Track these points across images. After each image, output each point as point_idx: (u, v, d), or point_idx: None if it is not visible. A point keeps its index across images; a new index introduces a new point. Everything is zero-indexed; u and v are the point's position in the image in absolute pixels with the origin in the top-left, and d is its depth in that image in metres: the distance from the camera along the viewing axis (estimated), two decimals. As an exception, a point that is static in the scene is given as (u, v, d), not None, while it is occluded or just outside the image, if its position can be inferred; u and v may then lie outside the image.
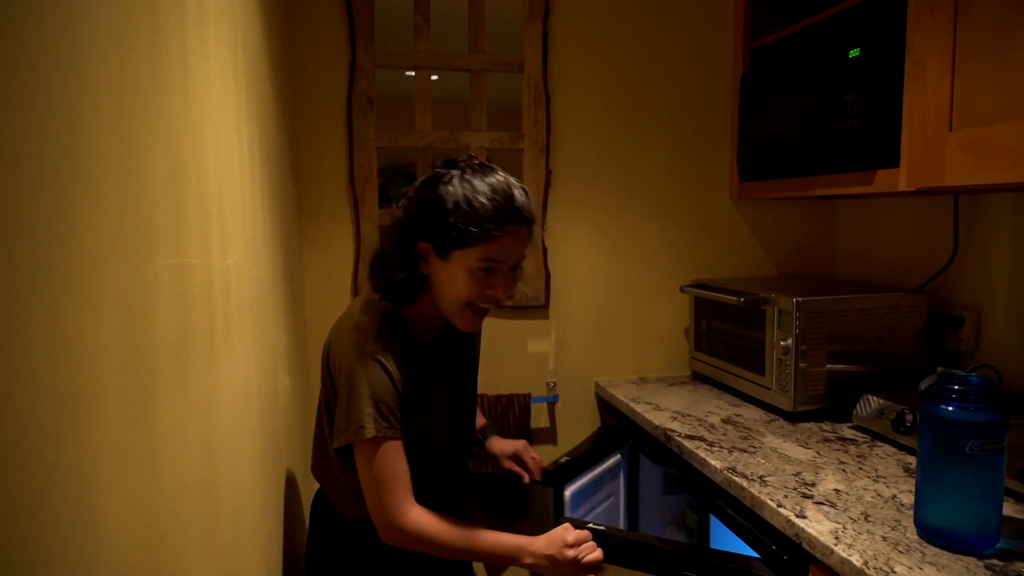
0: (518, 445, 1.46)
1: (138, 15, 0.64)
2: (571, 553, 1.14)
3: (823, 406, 1.60)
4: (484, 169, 1.14)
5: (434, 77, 1.90)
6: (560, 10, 1.91)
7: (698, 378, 2.03)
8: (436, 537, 1.12)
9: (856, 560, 0.97)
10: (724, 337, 1.86)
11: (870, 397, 1.49)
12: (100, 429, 0.54)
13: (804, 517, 1.11)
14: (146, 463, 0.63)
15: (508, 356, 1.97)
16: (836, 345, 1.59)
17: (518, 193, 1.13)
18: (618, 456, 1.79)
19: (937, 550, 1.00)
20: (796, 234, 2.13)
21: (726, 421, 1.61)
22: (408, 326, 1.20)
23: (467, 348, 1.36)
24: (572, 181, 1.97)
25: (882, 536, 1.04)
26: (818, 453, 1.39)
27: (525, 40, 1.89)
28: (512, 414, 1.90)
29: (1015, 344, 1.55)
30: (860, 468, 1.31)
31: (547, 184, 1.93)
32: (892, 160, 1.41)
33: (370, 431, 1.09)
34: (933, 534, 1.02)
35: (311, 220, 1.85)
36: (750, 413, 1.67)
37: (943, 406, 0.99)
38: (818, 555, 1.05)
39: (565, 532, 1.17)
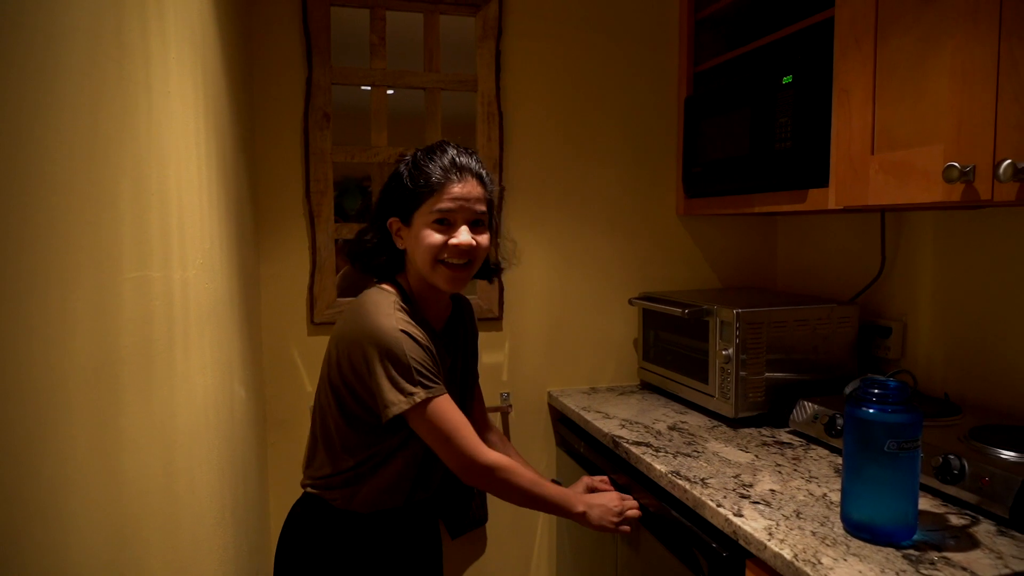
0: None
1: (108, 41, 0.67)
2: (618, 505, 1.37)
3: (763, 412, 1.68)
4: (432, 146, 1.30)
5: (390, 92, 1.94)
6: (512, 30, 1.98)
7: (646, 387, 2.10)
8: (513, 473, 1.25)
9: (787, 554, 1.04)
10: (671, 347, 1.93)
11: (805, 403, 1.58)
12: (71, 437, 0.57)
13: (741, 516, 1.18)
14: (111, 469, 0.66)
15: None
16: (774, 354, 1.68)
17: (458, 151, 1.28)
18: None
19: (860, 543, 1.08)
20: (739, 248, 2.23)
21: (672, 428, 1.68)
22: (419, 313, 1.28)
23: (470, 340, 1.46)
24: (525, 196, 2.03)
25: (812, 531, 1.12)
26: (756, 456, 1.47)
27: (479, 59, 1.95)
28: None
29: (936, 351, 1.66)
30: (795, 470, 1.39)
31: (500, 199, 1.98)
32: (822, 180, 1.50)
33: (421, 395, 1.16)
34: (857, 528, 1.10)
35: (268, 233, 1.86)
36: (695, 420, 1.75)
37: (864, 408, 1.07)
38: (753, 550, 1.11)
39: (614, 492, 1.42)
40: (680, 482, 1.34)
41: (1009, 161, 1.03)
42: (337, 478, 1.27)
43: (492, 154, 1.96)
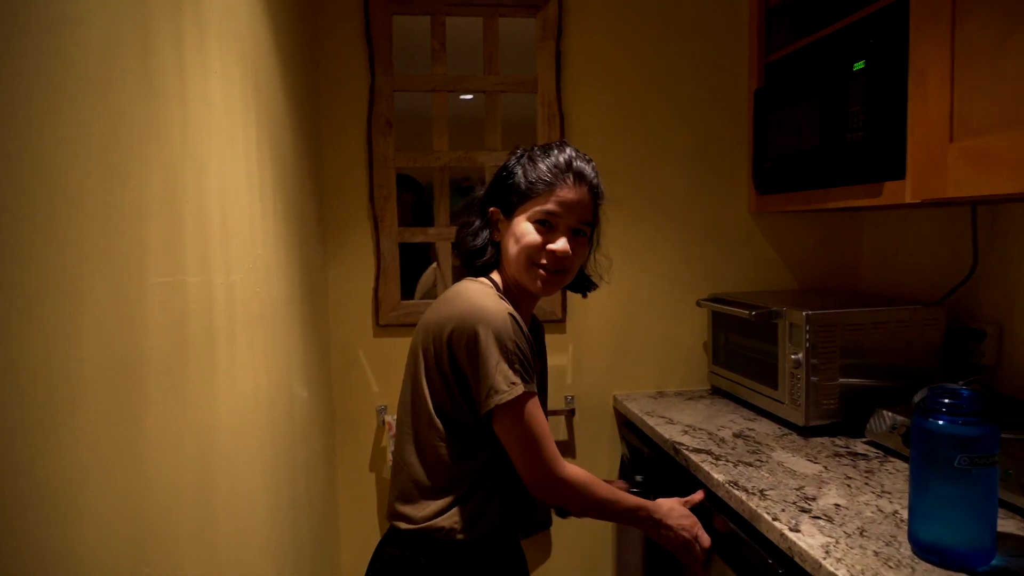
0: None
1: (130, 58, 0.71)
2: (690, 533, 1.26)
3: (836, 421, 1.58)
4: (551, 143, 1.27)
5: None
6: (573, 30, 1.95)
7: (717, 392, 2.02)
8: (589, 488, 1.19)
9: (842, 574, 0.97)
10: (741, 351, 1.85)
11: (883, 412, 1.47)
12: (82, 433, 0.60)
13: (798, 531, 1.11)
14: (133, 465, 0.69)
15: (525, 370, 1.99)
16: (849, 359, 1.57)
17: (575, 155, 1.23)
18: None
19: (929, 566, 0.99)
20: (819, 247, 2.10)
21: (737, 435, 1.61)
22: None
23: (543, 354, 1.43)
24: (587, 197, 1.99)
25: (875, 551, 1.03)
26: (825, 468, 1.38)
27: (538, 60, 1.93)
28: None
29: (1037, 358, 1.50)
30: (866, 483, 1.29)
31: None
32: (898, 172, 1.40)
33: (521, 388, 1.11)
34: (925, 550, 1.01)
35: (334, 238, 1.92)
36: (763, 427, 1.66)
37: (932, 419, 0.98)
38: (808, 569, 1.04)
39: (687, 512, 1.30)
40: (737, 493, 1.27)
41: (1103, 145, 0.92)
42: (449, 506, 1.17)
43: (553, 155, 1.94)
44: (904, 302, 1.69)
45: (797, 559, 1.07)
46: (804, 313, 1.55)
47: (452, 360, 1.16)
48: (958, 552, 0.98)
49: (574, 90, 1.97)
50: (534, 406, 1.14)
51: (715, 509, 1.37)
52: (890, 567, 0.99)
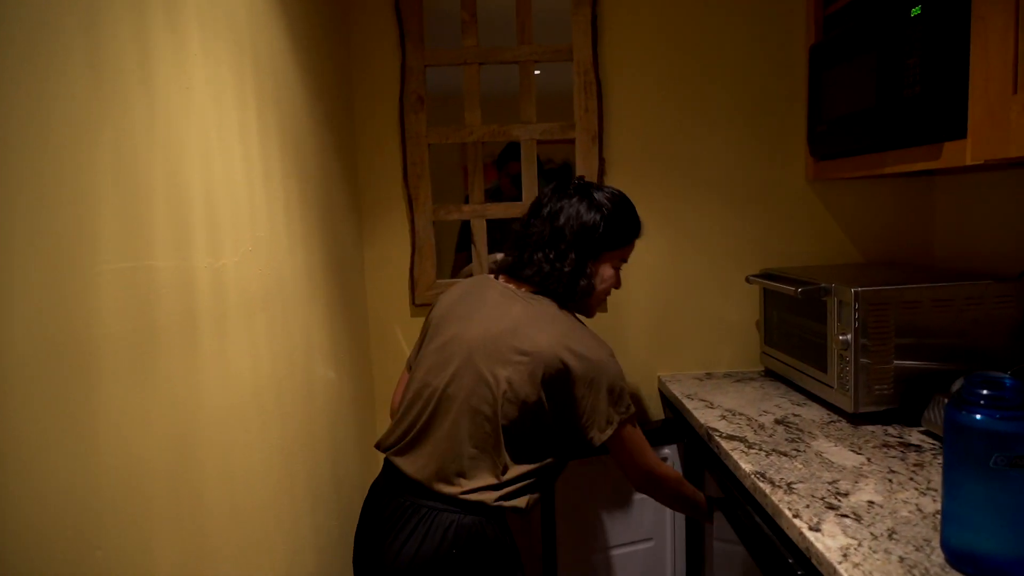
0: None
1: (72, 43, 0.71)
2: None
3: (892, 407, 1.44)
4: (627, 202, 1.45)
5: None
6: (610, -8, 1.85)
7: (770, 375, 1.89)
8: (673, 482, 1.44)
9: (856, 582, 0.88)
10: (792, 330, 1.72)
11: (941, 399, 1.33)
12: (11, 417, 0.61)
13: (818, 531, 1.01)
14: (80, 449, 0.70)
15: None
16: (907, 339, 1.43)
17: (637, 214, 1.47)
18: (665, 451, 1.73)
19: (960, 576, 0.88)
20: (885, 217, 1.92)
21: (779, 421, 1.50)
22: None
23: None
24: (628, 169, 1.90)
25: (900, 556, 0.93)
26: (869, 459, 1.26)
27: (574, 27, 1.84)
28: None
29: None
30: (911, 479, 1.17)
31: (601, 173, 1.88)
32: (959, 130, 1.24)
33: (633, 407, 1.35)
34: (958, 558, 0.89)
35: (370, 217, 1.92)
36: (811, 414, 1.54)
37: (966, 412, 0.86)
38: (824, 572, 0.95)
39: None
40: (762, 485, 1.18)
41: None
42: (519, 484, 1.28)
43: (590, 126, 1.86)
44: (978, 277, 1.52)
45: (814, 561, 0.98)
46: (853, 290, 1.41)
47: (555, 388, 1.28)
48: (994, 561, 0.86)
49: (612, 56, 1.87)
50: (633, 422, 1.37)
51: (744, 501, 1.28)
52: (914, 575, 0.88)
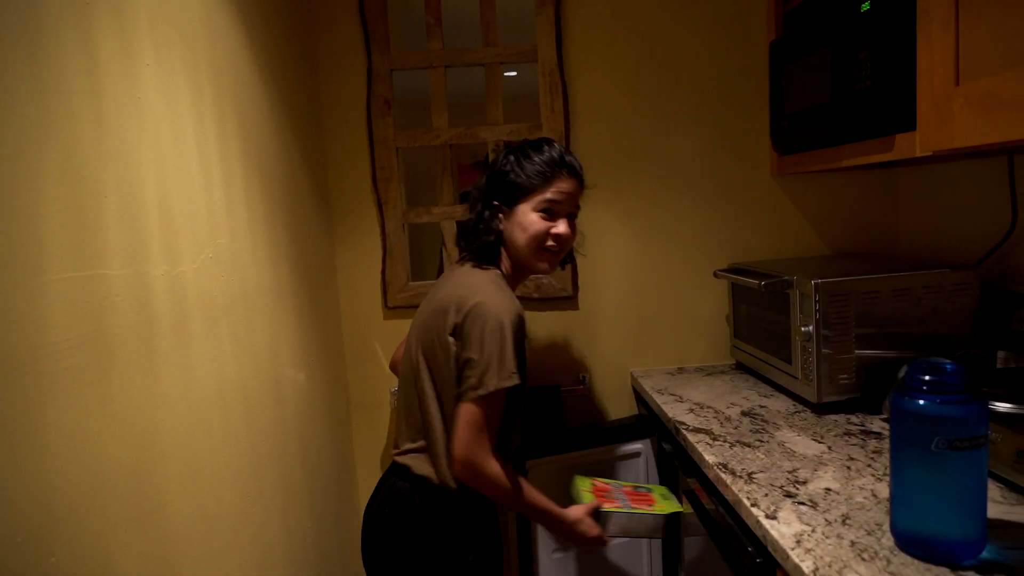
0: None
1: (15, 51, 0.71)
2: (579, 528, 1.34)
3: (854, 396, 1.46)
4: (539, 141, 1.39)
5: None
6: (573, -7, 1.87)
7: (740, 367, 1.92)
8: (504, 483, 1.26)
9: (807, 566, 0.89)
10: (760, 324, 1.74)
11: (901, 386, 1.35)
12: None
13: (774, 518, 1.03)
14: (30, 457, 0.70)
15: (536, 349, 1.96)
16: (867, 329, 1.45)
17: (563, 150, 1.38)
18: (638, 445, 1.75)
19: (907, 559, 0.90)
20: (850, 209, 1.95)
21: (746, 413, 1.52)
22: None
23: None
24: (596, 167, 1.91)
25: (852, 541, 0.95)
26: (829, 448, 1.28)
27: (538, 28, 1.86)
28: (543, 408, 1.89)
29: (1084, 323, 1.34)
30: (868, 466, 1.19)
31: (569, 173, 1.89)
32: (909, 122, 1.26)
33: (516, 379, 1.22)
34: (906, 541, 0.92)
35: (341, 222, 1.93)
36: (777, 405, 1.56)
37: (908, 398, 0.89)
38: (778, 559, 0.97)
39: (578, 510, 1.36)
40: (724, 475, 1.20)
41: (1105, 78, 0.79)
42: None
43: (557, 126, 1.88)
44: (941, 266, 1.54)
45: (770, 548, 1.00)
46: (813, 282, 1.44)
47: (463, 341, 1.24)
48: (941, 543, 0.88)
49: (577, 56, 1.89)
50: (503, 399, 1.25)
51: (706, 492, 1.30)
52: (863, 559, 0.90)
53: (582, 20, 1.88)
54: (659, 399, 1.68)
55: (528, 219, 1.33)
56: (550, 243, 1.35)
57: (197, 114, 1.14)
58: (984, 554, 0.88)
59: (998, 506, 1.02)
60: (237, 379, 1.22)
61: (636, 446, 1.81)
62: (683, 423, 1.48)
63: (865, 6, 1.32)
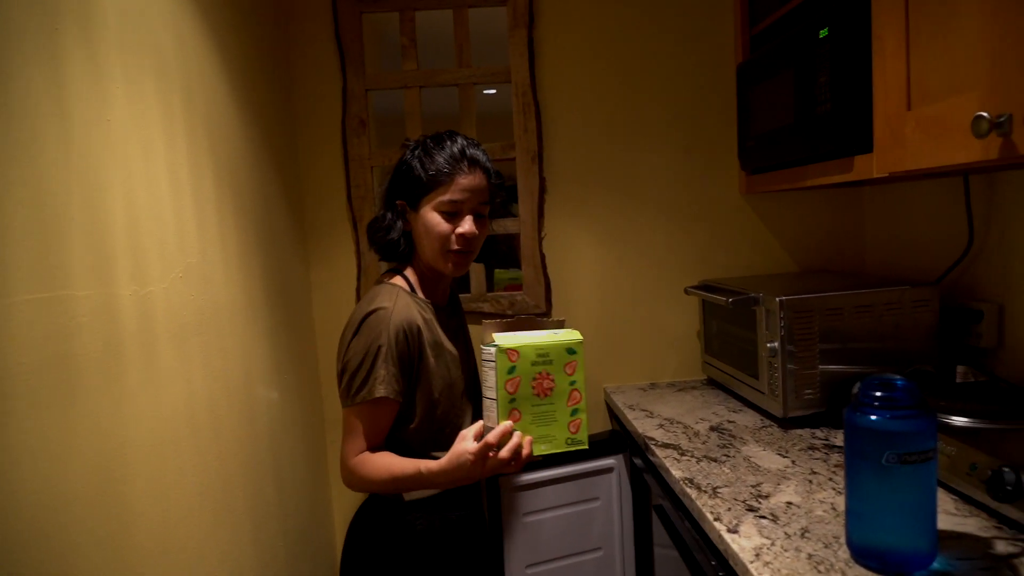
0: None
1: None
2: (474, 453, 1.13)
3: (819, 411, 1.49)
4: (441, 134, 1.33)
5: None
6: (545, 17, 1.90)
7: (712, 383, 1.94)
8: (371, 473, 1.23)
9: (764, 579, 0.91)
10: (729, 340, 1.77)
11: (863, 401, 1.38)
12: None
13: (735, 532, 1.05)
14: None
15: (513, 364, 1.97)
16: (831, 344, 1.49)
17: (467, 143, 1.31)
18: (610, 461, 1.78)
19: (861, 571, 0.92)
20: (818, 227, 2.00)
21: (714, 428, 1.54)
22: (420, 289, 1.35)
23: (465, 328, 1.48)
24: (568, 187, 1.95)
25: (809, 554, 0.97)
26: (793, 462, 1.31)
27: (511, 49, 1.90)
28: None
29: (1037, 339, 1.38)
30: (830, 479, 1.22)
31: (542, 191, 1.92)
32: (867, 144, 1.30)
33: (380, 392, 1.21)
34: (861, 553, 0.94)
35: (317, 240, 1.94)
36: (745, 420, 1.59)
37: (860, 414, 0.91)
38: (739, 572, 0.99)
39: (463, 440, 1.17)
40: (689, 490, 1.22)
41: (1039, 106, 0.83)
42: None
43: (530, 146, 1.91)
44: (904, 283, 1.58)
45: (731, 561, 1.02)
46: (778, 299, 1.47)
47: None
48: (893, 555, 0.91)
49: (550, 77, 1.92)
50: (384, 409, 1.25)
51: (674, 507, 1.32)
52: (819, 572, 0.92)
53: (554, 42, 1.91)
54: (630, 415, 1.70)
55: (431, 220, 1.27)
56: (455, 245, 1.28)
57: (168, 135, 1.15)
58: (935, 565, 0.91)
59: (952, 518, 1.04)
60: (207, 398, 1.23)
61: (609, 461, 1.83)
62: (652, 439, 1.50)
63: (824, 32, 1.36)
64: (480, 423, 1.19)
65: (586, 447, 1.22)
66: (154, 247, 1.08)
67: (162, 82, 1.14)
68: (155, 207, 1.09)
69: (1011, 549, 0.94)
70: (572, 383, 1.20)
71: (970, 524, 1.02)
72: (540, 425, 1.18)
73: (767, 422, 1.55)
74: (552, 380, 1.18)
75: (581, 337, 1.22)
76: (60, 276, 0.84)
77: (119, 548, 0.92)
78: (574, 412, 1.20)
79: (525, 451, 1.15)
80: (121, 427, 0.95)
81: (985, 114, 0.92)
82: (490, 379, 1.17)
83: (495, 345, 1.16)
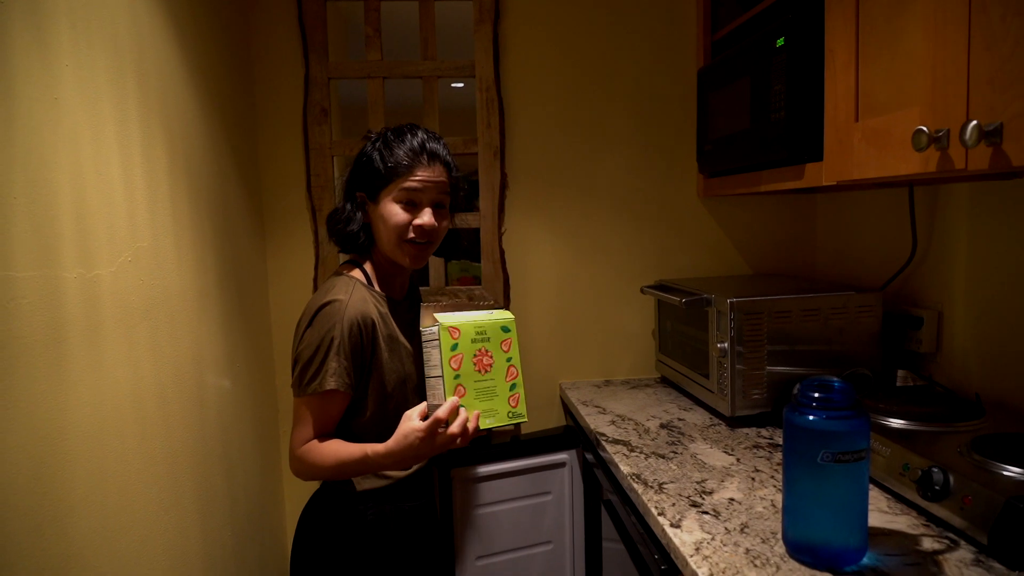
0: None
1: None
2: (424, 430, 1.15)
3: (765, 411, 1.53)
4: (403, 127, 1.33)
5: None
6: (512, 13, 1.91)
7: (665, 381, 1.98)
8: (318, 460, 1.23)
9: (703, 572, 0.94)
10: (682, 339, 1.81)
11: (806, 402, 1.42)
12: None
13: (678, 527, 1.08)
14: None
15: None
16: (779, 347, 1.53)
17: (427, 136, 1.31)
18: (563, 456, 1.79)
19: (795, 565, 0.95)
20: (772, 231, 2.04)
21: (664, 426, 1.57)
22: (378, 282, 1.35)
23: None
24: (530, 183, 1.96)
25: (747, 549, 1.00)
26: (738, 460, 1.34)
27: (476, 44, 1.90)
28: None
29: (971, 345, 1.44)
30: (771, 477, 1.26)
31: (503, 187, 1.93)
32: (818, 153, 1.34)
33: (330, 384, 1.21)
34: (796, 549, 0.97)
35: (275, 229, 1.92)
36: (695, 418, 1.62)
37: (798, 414, 0.94)
38: (679, 565, 1.02)
39: (410, 420, 1.18)
40: (636, 485, 1.24)
41: (974, 123, 0.87)
42: None
43: (492, 141, 1.91)
44: (850, 288, 1.63)
45: (672, 555, 1.05)
46: (729, 300, 1.50)
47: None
48: (826, 550, 0.94)
49: (514, 74, 1.93)
50: (336, 400, 1.25)
51: (622, 502, 1.35)
52: (756, 566, 0.95)
53: (519, 39, 1.92)
54: (583, 410, 1.72)
55: (389, 210, 1.28)
56: (411, 235, 1.28)
57: (120, 116, 1.13)
58: (865, 560, 0.95)
59: (884, 515, 1.09)
60: (155, 384, 1.21)
61: (562, 456, 1.85)
62: (604, 434, 1.53)
63: (780, 41, 1.40)
64: (423, 404, 1.21)
65: (526, 419, 1.29)
66: (103, 230, 1.06)
67: (115, 61, 1.12)
68: (104, 189, 1.07)
69: (936, 546, 0.99)
70: (508, 359, 1.26)
71: (901, 522, 1.06)
72: (483, 400, 1.23)
73: (716, 421, 1.59)
74: (491, 357, 1.24)
75: (512, 316, 1.29)
76: (0, 257, 0.82)
77: (56, 536, 0.90)
78: (512, 387, 1.26)
79: (472, 424, 1.19)
80: (61, 411, 0.93)
81: (925, 128, 0.95)
82: (434, 357, 1.21)
83: (437, 324, 1.20)
